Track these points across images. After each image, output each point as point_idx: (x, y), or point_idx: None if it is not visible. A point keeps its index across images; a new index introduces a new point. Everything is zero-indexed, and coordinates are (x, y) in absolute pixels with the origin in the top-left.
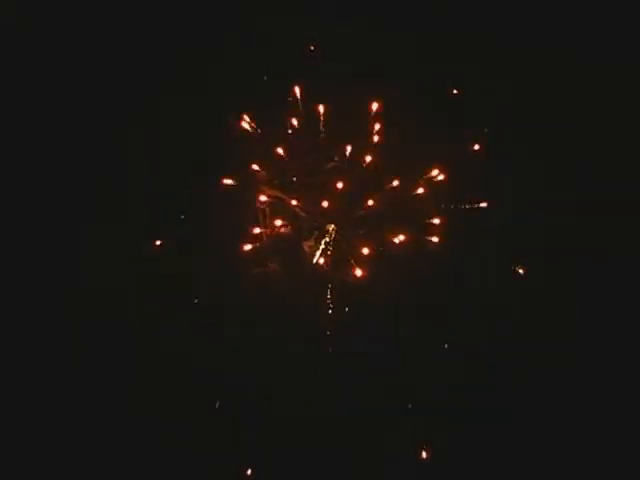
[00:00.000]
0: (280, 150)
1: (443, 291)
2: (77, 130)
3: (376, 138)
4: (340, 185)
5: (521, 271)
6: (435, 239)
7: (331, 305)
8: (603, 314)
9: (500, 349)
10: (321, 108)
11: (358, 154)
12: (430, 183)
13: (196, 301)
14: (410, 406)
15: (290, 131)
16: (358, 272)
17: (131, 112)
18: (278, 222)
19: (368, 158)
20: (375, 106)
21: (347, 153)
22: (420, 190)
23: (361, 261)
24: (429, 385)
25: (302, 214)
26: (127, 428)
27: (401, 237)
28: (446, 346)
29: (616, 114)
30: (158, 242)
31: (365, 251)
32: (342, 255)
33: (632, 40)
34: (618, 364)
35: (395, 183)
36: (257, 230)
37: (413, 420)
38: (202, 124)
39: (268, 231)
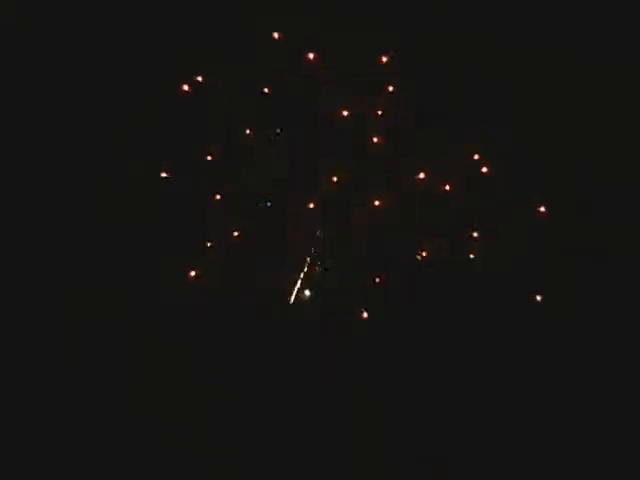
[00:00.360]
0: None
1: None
2: (77, 130)
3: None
4: (335, 179)
5: (538, 298)
6: (472, 256)
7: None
8: (603, 314)
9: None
10: (311, 56)
11: (361, 130)
12: (465, 178)
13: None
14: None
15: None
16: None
17: (131, 112)
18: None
19: (375, 139)
20: (385, 59)
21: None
22: (447, 187)
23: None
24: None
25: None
26: (127, 428)
27: (423, 254)
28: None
29: (616, 114)
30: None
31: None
32: (338, 286)
33: (632, 40)
34: (619, 365)
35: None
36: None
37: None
38: (202, 124)
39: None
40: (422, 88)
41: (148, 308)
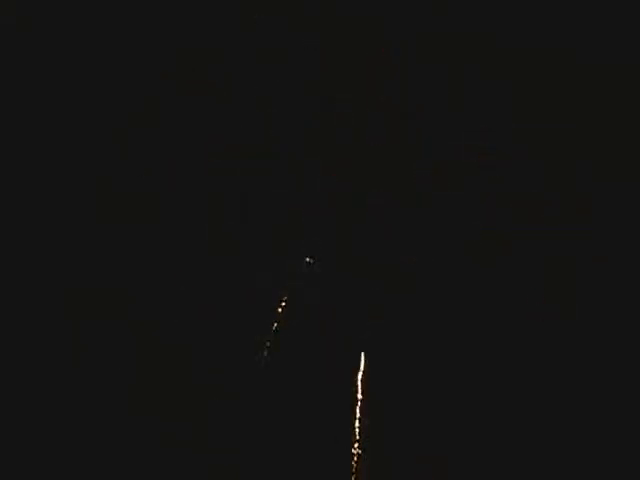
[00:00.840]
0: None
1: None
2: (77, 130)
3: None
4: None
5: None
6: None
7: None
8: (604, 314)
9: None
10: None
11: (359, 130)
12: (464, 178)
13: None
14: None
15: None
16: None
17: (131, 112)
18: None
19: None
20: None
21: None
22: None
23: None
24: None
25: None
26: (127, 428)
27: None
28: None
29: (616, 114)
30: None
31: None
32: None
33: (632, 40)
34: (619, 365)
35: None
36: None
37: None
38: (203, 124)
39: None
40: (421, 88)
41: (148, 308)
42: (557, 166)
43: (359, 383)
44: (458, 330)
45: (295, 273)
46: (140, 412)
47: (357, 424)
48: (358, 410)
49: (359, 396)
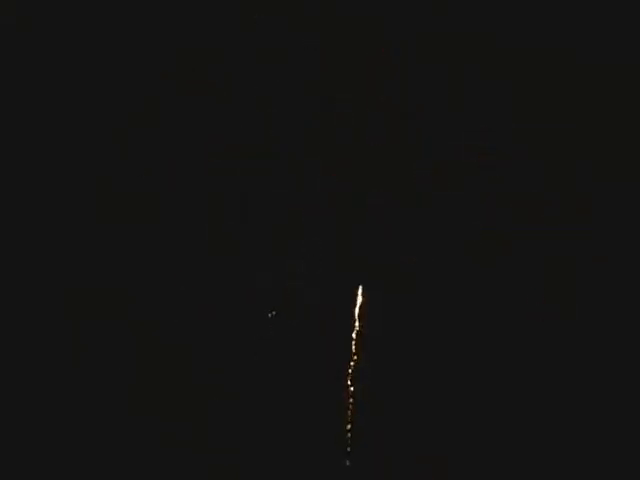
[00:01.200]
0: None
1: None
2: (77, 130)
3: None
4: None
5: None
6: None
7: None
8: (604, 315)
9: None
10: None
11: (359, 130)
12: (464, 178)
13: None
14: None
15: None
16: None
17: (131, 112)
18: None
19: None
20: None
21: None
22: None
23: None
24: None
25: None
26: (127, 428)
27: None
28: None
29: (616, 114)
30: None
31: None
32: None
33: (632, 40)
34: (619, 366)
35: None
36: None
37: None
38: (203, 124)
39: None
40: (421, 88)
41: (148, 308)
42: (557, 166)
43: (358, 384)
44: (458, 330)
45: (295, 273)
46: (140, 412)
47: (349, 427)
48: (352, 412)
49: (351, 400)
